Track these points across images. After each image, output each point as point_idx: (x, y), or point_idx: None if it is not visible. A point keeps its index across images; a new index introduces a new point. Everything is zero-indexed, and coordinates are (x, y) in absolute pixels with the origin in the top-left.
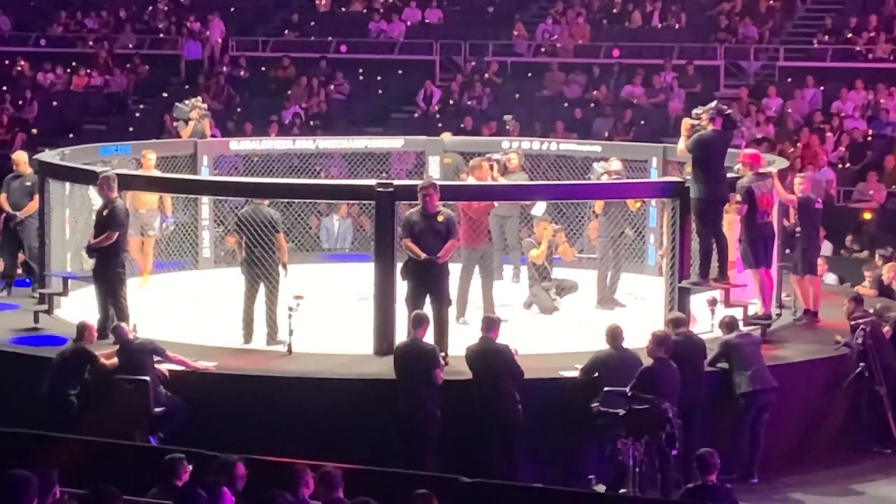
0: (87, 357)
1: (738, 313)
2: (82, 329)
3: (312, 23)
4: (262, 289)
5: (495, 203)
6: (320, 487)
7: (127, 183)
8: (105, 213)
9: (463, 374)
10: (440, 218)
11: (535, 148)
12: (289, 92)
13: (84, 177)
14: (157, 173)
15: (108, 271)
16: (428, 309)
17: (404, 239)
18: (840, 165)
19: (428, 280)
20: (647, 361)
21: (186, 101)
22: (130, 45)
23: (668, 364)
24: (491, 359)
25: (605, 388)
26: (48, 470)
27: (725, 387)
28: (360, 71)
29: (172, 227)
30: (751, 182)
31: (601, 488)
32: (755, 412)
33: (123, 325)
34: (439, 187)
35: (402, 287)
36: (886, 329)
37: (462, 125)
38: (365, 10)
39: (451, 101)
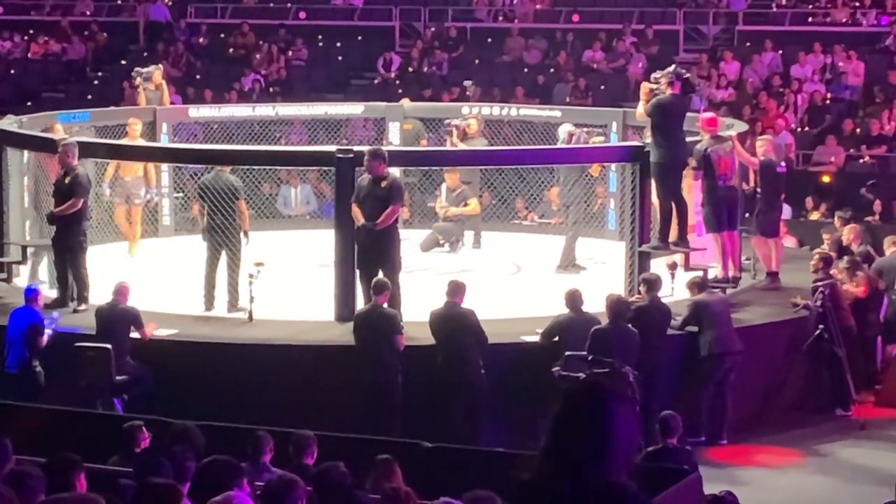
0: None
1: None
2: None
3: None
4: (223, 256)
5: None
6: (291, 451)
7: (88, 151)
8: (67, 180)
9: (423, 340)
10: (383, 184)
11: (494, 113)
12: (252, 56)
13: (42, 145)
14: (141, 142)
15: (71, 239)
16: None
17: (352, 202)
18: (799, 129)
19: (371, 246)
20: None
21: (147, 68)
22: (88, 13)
23: (623, 326)
24: (456, 324)
25: (566, 353)
26: (2, 438)
27: (690, 349)
28: (320, 37)
29: (157, 197)
30: (707, 146)
31: None
32: (721, 373)
33: (127, 286)
34: (396, 153)
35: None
36: (854, 288)
37: (422, 91)
38: None
39: (411, 68)
